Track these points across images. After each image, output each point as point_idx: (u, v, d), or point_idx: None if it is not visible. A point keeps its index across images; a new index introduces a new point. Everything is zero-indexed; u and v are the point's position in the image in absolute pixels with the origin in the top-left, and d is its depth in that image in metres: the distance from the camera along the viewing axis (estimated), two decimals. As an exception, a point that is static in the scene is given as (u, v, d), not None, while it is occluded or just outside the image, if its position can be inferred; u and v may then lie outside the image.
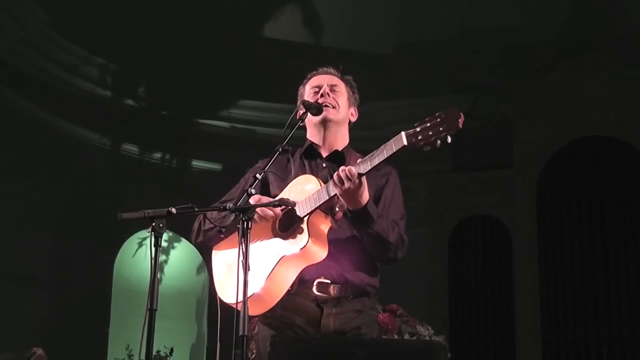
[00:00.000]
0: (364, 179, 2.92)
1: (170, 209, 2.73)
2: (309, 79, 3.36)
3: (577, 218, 8.49)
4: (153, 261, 2.69)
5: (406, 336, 5.76)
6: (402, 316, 5.98)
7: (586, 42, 8.68)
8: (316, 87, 3.28)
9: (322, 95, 3.24)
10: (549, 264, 8.46)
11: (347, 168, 2.91)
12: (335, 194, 2.95)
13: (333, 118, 3.24)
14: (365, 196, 2.97)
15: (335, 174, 2.93)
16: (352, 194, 2.92)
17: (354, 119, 3.34)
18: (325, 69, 3.36)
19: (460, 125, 2.74)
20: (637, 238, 8.26)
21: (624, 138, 8.51)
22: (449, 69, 9.21)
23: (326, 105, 3.23)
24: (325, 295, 3.07)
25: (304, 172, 3.21)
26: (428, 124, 2.79)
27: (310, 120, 3.25)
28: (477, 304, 8.77)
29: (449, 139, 2.77)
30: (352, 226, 3.04)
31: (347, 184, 2.89)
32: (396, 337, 5.69)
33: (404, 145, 2.80)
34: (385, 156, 2.85)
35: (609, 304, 8.18)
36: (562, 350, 8.24)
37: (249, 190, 2.91)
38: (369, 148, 3.04)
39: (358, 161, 2.92)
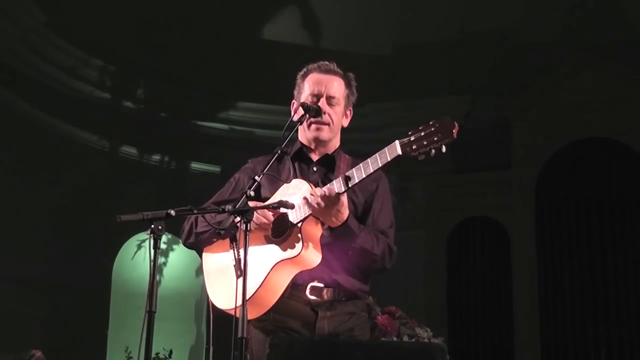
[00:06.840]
0: (343, 196, 2.92)
1: (169, 211, 2.73)
2: (310, 73, 3.27)
3: (575, 219, 8.49)
4: (152, 263, 2.69)
5: (405, 338, 5.74)
6: (400, 318, 5.96)
7: (585, 43, 8.68)
8: (315, 95, 3.21)
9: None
10: (548, 265, 8.47)
11: (325, 189, 2.91)
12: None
13: (325, 138, 3.22)
14: (345, 213, 2.96)
15: (311, 197, 2.92)
16: (332, 213, 2.93)
17: (347, 122, 3.30)
18: (327, 64, 3.27)
19: (455, 136, 2.74)
20: (635, 239, 8.26)
21: (623, 140, 8.51)
22: (448, 71, 9.21)
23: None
24: (319, 299, 3.07)
25: (295, 175, 3.19)
26: (422, 133, 2.78)
27: (304, 124, 3.20)
28: (476, 306, 8.76)
29: (444, 149, 2.77)
30: (336, 240, 3.03)
31: (327, 205, 2.89)
32: (395, 339, 5.68)
33: (399, 155, 2.80)
34: (380, 165, 2.85)
35: (608, 304, 8.19)
36: (561, 350, 8.24)
37: (248, 192, 2.90)
38: (367, 150, 3.03)
39: (348, 172, 2.91)
